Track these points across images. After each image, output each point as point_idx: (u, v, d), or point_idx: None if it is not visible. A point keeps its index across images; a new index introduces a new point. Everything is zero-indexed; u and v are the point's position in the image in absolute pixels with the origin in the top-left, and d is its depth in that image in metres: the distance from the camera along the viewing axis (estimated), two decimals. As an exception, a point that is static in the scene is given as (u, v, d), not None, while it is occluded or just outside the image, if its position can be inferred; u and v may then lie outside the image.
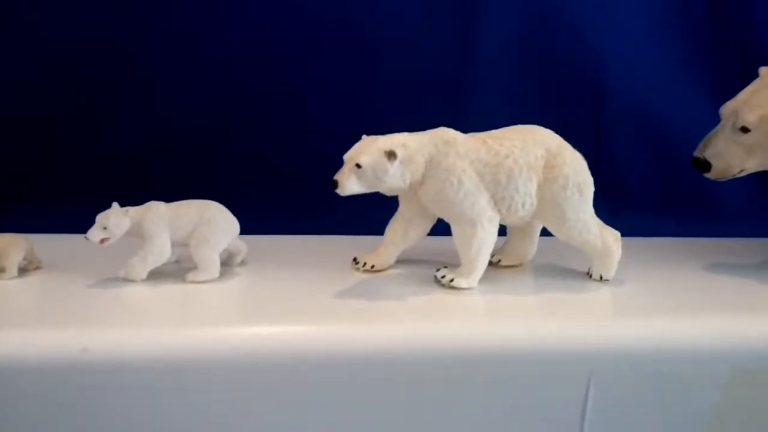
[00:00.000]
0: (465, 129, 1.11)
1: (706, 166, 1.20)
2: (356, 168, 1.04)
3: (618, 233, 1.16)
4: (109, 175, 1.34)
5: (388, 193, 1.11)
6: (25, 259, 1.08)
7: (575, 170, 1.10)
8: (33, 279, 1.08)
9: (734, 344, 0.99)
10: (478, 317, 1.04)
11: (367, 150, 1.04)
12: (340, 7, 1.39)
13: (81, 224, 1.05)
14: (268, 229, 1.31)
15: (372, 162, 1.04)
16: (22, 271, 1.09)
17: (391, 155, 1.04)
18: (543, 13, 1.45)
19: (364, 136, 1.08)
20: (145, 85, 1.37)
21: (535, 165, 1.09)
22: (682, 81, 1.52)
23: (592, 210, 1.13)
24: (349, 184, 1.04)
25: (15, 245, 1.06)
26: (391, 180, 1.06)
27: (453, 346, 0.94)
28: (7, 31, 1.32)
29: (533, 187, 1.09)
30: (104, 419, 0.88)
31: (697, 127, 1.25)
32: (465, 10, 1.43)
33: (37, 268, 1.11)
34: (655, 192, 1.56)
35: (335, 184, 1.04)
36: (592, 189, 1.13)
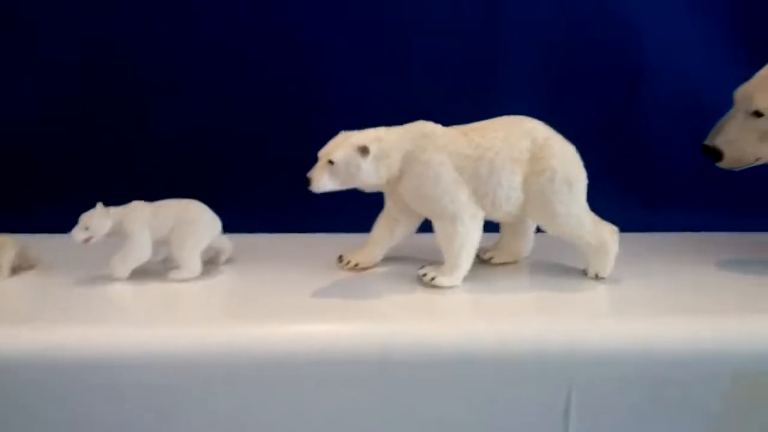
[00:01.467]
0: (495, 116, 1.08)
1: (718, 154, 1.12)
2: (329, 164, 1.02)
3: (615, 228, 1.09)
4: (102, 175, 1.37)
5: (366, 190, 1.08)
6: (17, 258, 1.11)
7: (563, 162, 1.05)
8: (24, 278, 1.11)
9: (737, 347, 0.92)
10: (461, 316, 1.01)
11: (340, 146, 1.02)
12: None
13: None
14: (253, 228, 1.31)
15: (344, 158, 1.01)
16: (16, 270, 1.12)
17: (363, 151, 1.02)
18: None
19: (341, 132, 1.06)
20: (133, 87, 1.39)
21: (520, 158, 1.04)
22: (723, 63, 1.42)
23: (584, 204, 1.07)
24: (323, 181, 1.02)
25: (6, 245, 1.10)
26: (365, 176, 1.03)
27: (434, 346, 0.91)
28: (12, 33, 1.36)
29: (518, 181, 1.04)
30: (87, 416, 0.89)
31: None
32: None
33: (31, 267, 1.14)
34: (695, 183, 1.46)
35: (308, 181, 1.02)
36: (584, 182, 1.07)
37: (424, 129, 1.05)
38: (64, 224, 1.07)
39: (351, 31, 1.38)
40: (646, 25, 1.40)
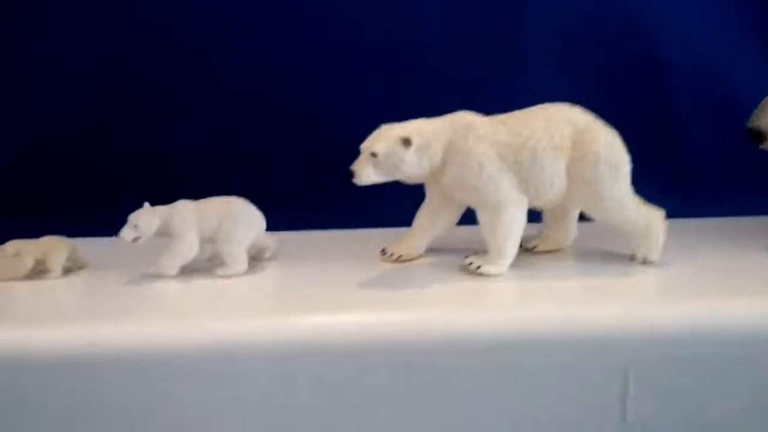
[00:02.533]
0: (519, 107, 1.08)
1: (761, 136, 1.10)
2: (372, 157, 1.02)
3: (661, 212, 1.08)
4: (149, 178, 1.39)
5: (408, 182, 1.09)
6: (68, 260, 1.14)
7: (606, 147, 1.04)
8: (76, 279, 1.14)
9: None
10: (511, 303, 1.01)
11: (383, 138, 1.03)
12: None
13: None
14: (296, 225, 1.32)
15: (387, 150, 1.02)
16: (68, 271, 1.14)
17: (406, 142, 1.02)
18: None
19: (381, 125, 1.06)
20: (176, 88, 1.41)
21: (562, 144, 1.03)
22: (755, 48, 1.40)
23: (629, 188, 1.06)
24: (366, 174, 1.02)
25: (58, 247, 1.12)
26: (408, 167, 1.03)
27: (485, 333, 0.90)
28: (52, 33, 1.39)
29: (561, 167, 1.04)
30: (140, 410, 0.90)
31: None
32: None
33: (81, 268, 1.17)
34: (723, 168, 1.46)
35: (351, 174, 1.03)
36: (628, 166, 1.06)
37: (465, 119, 1.05)
38: (112, 228, 1.09)
39: (383, 28, 1.39)
40: (675, 12, 1.39)
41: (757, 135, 1.10)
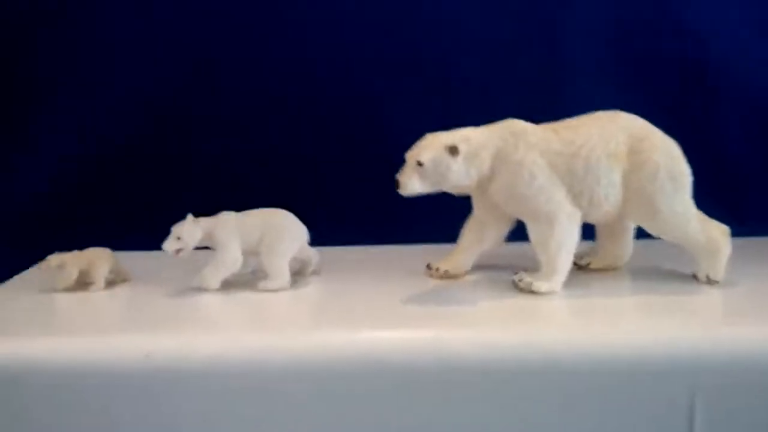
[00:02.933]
0: (557, 119, 1.04)
1: None
2: (418, 166, 0.99)
3: (727, 228, 1.02)
4: (193, 191, 1.39)
5: (455, 192, 1.05)
6: (111, 272, 1.13)
7: (666, 156, 0.99)
8: (119, 291, 1.13)
9: None
10: (564, 322, 0.96)
11: (429, 146, 1.00)
12: None
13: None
14: (340, 241, 1.29)
15: (434, 158, 0.99)
16: (111, 283, 1.14)
17: (453, 150, 0.99)
18: None
19: (427, 134, 1.03)
20: (220, 100, 1.42)
21: (617, 152, 0.98)
22: None
23: (690, 201, 1.01)
24: (411, 184, 0.99)
25: (101, 259, 1.12)
26: (456, 177, 1.00)
27: (536, 354, 0.85)
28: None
29: (617, 177, 0.99)
30: (181, 422, 0.88)
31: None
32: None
33: (124, 281, 1.16)
34: None
35: (397, 184, 1.00)
36: (689, 177, 1.00)
37: (514, 127, 1.01)
38: (157, 243, 1.08)
39: (427, 40, 1.39)
40: (724, 19, 1.35)
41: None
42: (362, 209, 1.35)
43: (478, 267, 1.12)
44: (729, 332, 0.86)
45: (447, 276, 1.10)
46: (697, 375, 0.82)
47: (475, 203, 1.09)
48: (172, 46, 1.41)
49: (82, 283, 1.12)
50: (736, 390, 0.82)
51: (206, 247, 1.09)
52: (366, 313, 0.97)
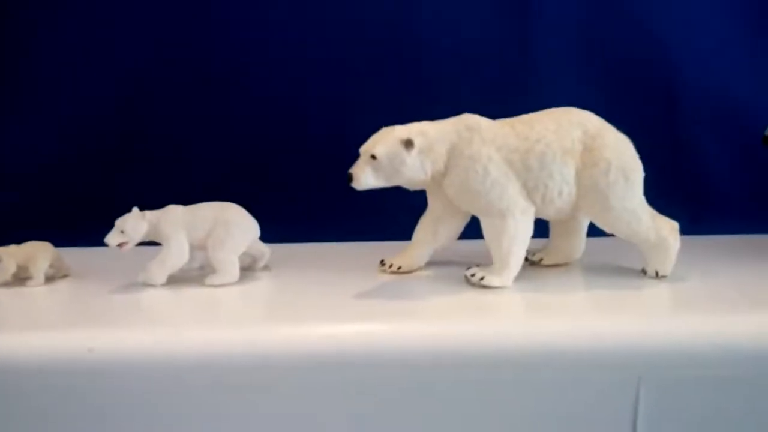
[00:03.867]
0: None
1: None
2: (372, 160, 0.98)
3: (675, 223, 1.03)
4: (140, 186, 1.35)
5: (410, 187, 1.04)
6: (51, 267, 1.09)
7: (619, 153, 0.99)
8: (59, 286, 1.09)
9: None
10: (515, 316, 0.96)
11: (383, 140, 0.98)
12: None
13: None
14: (293, 237, 1.27)
15: (388, 152, 0.97)
16: (51, 279, 1.09)
17: (408, 144, 0.97)
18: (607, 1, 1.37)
19: (382, 127, 1.02)
20: (166, 99, 1.38)
21: (572, 149, 0.99)
22: (763, 67, 1.38)
23: (642, 197, 1.01)
24: (365, 177, 0.98)
25: (41, 253, 1.07)
26: (410, 171, 0.99)
27: (488, 347, 0.85)
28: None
29: (570, 173, 0.99)
30: (121, 420, 0.85)
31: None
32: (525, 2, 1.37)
33: (65, 276, 1.12)
34: (740, 187, 1.42)
35: (350, 178, 0.98)
36: (641, 174, 1.01)
37: (469, 121, 1.01)
38: (100, 239, 1.04)
39: (387, 32, 1.37)
40: (684, 28, 1.37)
41: (776, 144, 1.06)
42: (317, 204, 1.33)
43: (432, 263, 1.11)
44: (674, 326, 0.88)
45: (400, 271, 1.09)
46: (643, 366, 0.83)
47: (430, 199, 1.08)
48: (121, 46, 1.37)
49: (21, 278, 1.07)
50: (679, 381, 0.84)
51: (154, 243, 1.06)
52: (317, 308, 0.95)
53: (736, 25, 1.38)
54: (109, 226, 1.04)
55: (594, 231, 1.08)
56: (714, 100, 1.40)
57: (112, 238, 1.03)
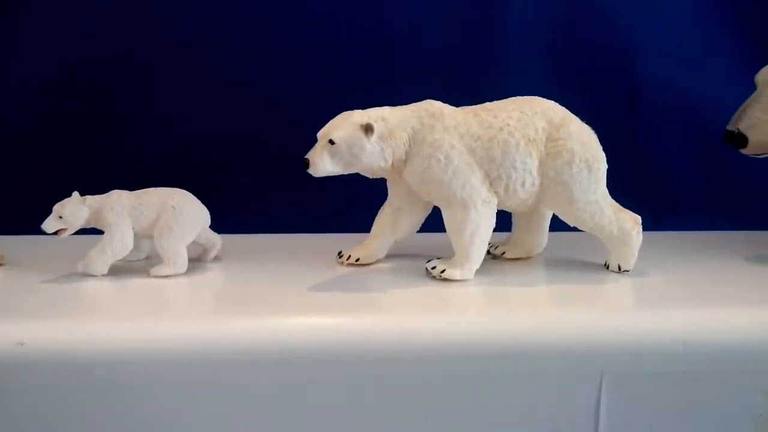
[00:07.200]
0: None
1: (742, 140, 1.05)
2: (329, 145, 0.93)
3: (638, 217, 1.02)
4: (87, 174, 1.28)
5: (370, 175, 1.00)
6: (-16, 255, 1.01)
7: (582, 144, 0.97)
8: (-8, 275, 1.02)
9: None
10: (476, 309, 0.93)
11: (342, 125, 0.94)
12: None
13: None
14: (247, 228, 1.22)
15: (347, 137, 0.93)
16: (-17, 268, 1.02)
17: (367, 129, 0.93)
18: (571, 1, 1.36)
19: (342, 112, 0.98)
20: (121, 85, 1.32)
21: (536, 139, 0.96)
22: (723, 66, 1.38)
23: (605, 190, 1.00)
24: (322, 163, 0.93)
25: (-30, 239, 1.00)
26: (370, 157, 0.95)
27: (447, 340, 0.82)
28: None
29: (534, 164, 0.96)
30: (52, 418, 0.80)
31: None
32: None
33: (0, 265, 1.04)
34: (700, 185, 1.43)
35: (307, 164, 0.93)
36: (605, 166, 0.99)
37: (432, 108, 0.97)
38: (36, 226, 0.97)
39: (351, 21, 1.33)
40: (646, 27, 1.38)
41: (738, 139, 1.05)
42: (272, 194, 1.28)
43: (391, 255, 1.08)
44: (636, 320, 0.86)
45: (358, 264, 1.05)
46: (605, 360, 0.82)
47: (391, 189, 1.05)
48: (65, 32, 1.30)
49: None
50: (641, 374, 0.83)
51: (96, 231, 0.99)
52: (269, 301, 0.91)
53: (697, 24, 1.39)
54: (47, 212, 0.97)
55: (557, 225, 1.06)
56: (675, 98, 1.40)
57: (49, 224, 0.96)
